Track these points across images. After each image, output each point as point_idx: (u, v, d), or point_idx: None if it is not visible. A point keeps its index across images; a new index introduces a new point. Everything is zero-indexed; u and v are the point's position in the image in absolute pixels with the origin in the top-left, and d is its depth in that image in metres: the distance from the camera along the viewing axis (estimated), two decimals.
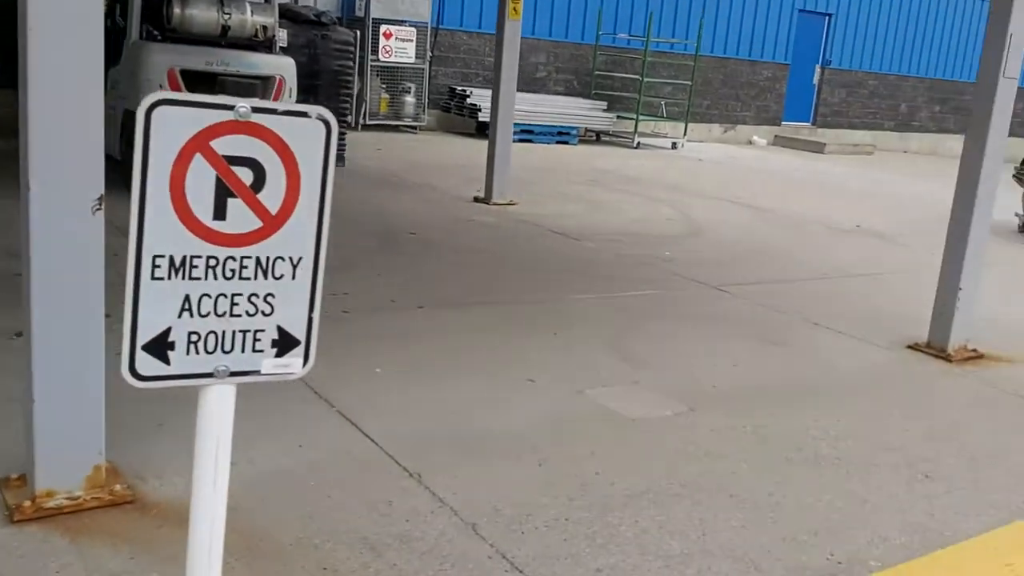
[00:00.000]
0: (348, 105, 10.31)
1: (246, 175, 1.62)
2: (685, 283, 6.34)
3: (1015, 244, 9.34)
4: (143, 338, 1.62)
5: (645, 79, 16.16)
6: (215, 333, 1.67)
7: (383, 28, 14.01)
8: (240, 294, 1.67)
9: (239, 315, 1.68)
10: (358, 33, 13.62)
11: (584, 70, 16.92)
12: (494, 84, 8.82)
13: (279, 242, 1.68)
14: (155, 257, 1.59)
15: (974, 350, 5.13)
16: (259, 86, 7.51)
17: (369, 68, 14.01)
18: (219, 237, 1.63)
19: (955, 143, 17.25)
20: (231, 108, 1.58)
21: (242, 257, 1.66)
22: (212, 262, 1.64)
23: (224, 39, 7.60)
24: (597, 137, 16.60)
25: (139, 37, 7.43)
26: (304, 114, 1.66)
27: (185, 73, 7.23)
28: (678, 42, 17.29)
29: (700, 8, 17.72)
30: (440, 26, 15.04)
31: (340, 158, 9.82)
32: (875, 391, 4.48)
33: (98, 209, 2.60)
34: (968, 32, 22.29)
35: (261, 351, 1.72)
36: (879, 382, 4.64)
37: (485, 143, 8.97)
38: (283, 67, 7.71)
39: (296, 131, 1.66)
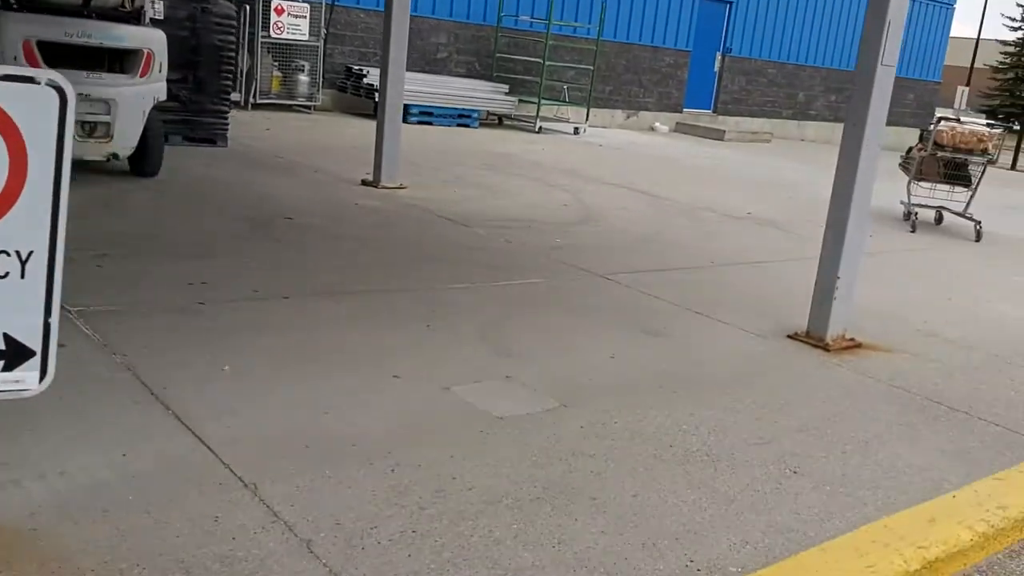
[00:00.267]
0: (231, 82, 9.82)
1: None
2: (572, 272, 6.18)
3: (899, 232, 9.51)
4: None
5: (547, 63, 16.01)
6: None
7: (275, 3, 13.45)
8: None
9: None
10: (247, 8, 13.07)
11: (486, 52, 16.66)
12: (382, 60, 8.53)
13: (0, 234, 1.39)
14: None
15: (852, 339, 5.12)
16: (126, 59, 7.02)
17: (260, 45, 13.45)
18: None
19: None
20: None
21: None
22: None
23: (87, 8, 7.09)
24: (499, 121, 16.38)
25: None
26: (31, 79, 1.37)
27: (43, 45, 6.69)
28: (581, 26, 17.18)
29: None
30: (336, 2, 14.54)
31: (220, 137, 9.34)
32: (752, 382, 4.39)
33: None
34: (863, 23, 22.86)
35: None
36: (757, 373, 4.55)
37: None
38: (151, 40, 7.22)
39: (20, 100, 1.35)
